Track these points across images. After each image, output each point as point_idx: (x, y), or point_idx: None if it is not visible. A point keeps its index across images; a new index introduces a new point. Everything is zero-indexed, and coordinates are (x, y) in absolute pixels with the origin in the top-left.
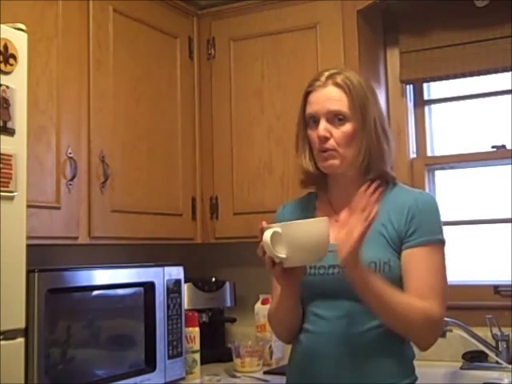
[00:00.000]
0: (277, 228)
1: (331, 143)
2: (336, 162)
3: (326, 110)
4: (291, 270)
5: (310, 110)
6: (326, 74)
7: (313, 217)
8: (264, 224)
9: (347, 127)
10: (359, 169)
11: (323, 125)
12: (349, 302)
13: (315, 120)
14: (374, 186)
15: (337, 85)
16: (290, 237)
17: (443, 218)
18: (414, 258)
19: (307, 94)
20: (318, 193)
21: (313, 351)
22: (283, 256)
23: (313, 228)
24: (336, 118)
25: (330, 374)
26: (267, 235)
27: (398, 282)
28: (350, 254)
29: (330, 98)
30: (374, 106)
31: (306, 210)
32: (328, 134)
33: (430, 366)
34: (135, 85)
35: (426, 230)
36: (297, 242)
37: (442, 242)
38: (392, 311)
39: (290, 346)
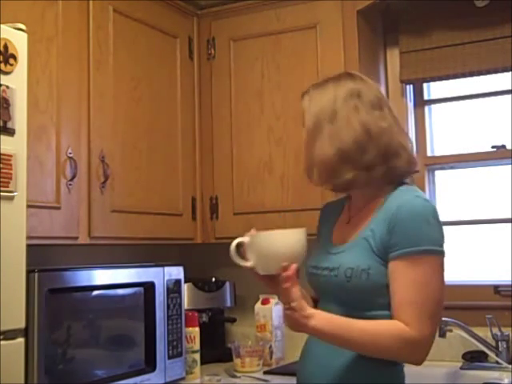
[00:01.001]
0: (244, 238)
1: None
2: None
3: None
4: (274, 277)
5: None
6: (310, 86)
7: (338, 218)
8: (252, 231)
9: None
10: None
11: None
12: (336, 307)
13: None
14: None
15: (303, 98)
16: (255, 246)
17: (443, 218)
18: (395, 272)
19: None
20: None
21: (309, 352)
22: (247, 264)
23: (276, 239)
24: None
25: (317, 375)
26: (233, 244)
27: (379, 290)
28: (291, 326)
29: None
30: (347, 109)
31: (336, 211)
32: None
33: (430, 366)
34: (135, 85)
35: (408, 240)
36: (261, 252)
37: (429, 252)
38: (361, 345)
39: (290, 346)
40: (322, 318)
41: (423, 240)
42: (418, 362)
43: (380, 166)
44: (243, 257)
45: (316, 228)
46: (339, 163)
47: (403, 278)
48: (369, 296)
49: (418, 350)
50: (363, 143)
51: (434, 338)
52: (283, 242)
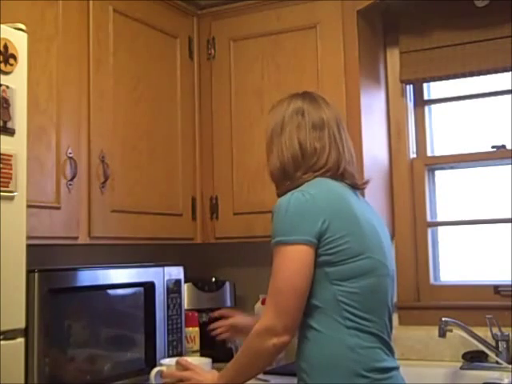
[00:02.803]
0: (163, 367)
1: None
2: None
3: None
4: None
5: None
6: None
7: None
8: (169, 360)
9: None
10: (279, 181)
11: None
12: None
13: None
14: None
15: (270, 112)
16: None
17: (443, 219)
18: None
19: None
20: None
21: None
22: None
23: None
24: None
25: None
26: (152, 372)
27: None
28: None
29: None
30: (290, 128)
31: None
32: None
33: (430, 366)
34: (135, 85)
35: (271, 236)
36: None
37: (279, 244)
38: (249, 368)
39: (289, 346)
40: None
41: (275, 233)
42: (267, 351)
43: (300, 180)
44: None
45: None
46: (281, 175)
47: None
48: None
49: (262, 338)
50: (298, 160)
51: (283, 329)
52: None
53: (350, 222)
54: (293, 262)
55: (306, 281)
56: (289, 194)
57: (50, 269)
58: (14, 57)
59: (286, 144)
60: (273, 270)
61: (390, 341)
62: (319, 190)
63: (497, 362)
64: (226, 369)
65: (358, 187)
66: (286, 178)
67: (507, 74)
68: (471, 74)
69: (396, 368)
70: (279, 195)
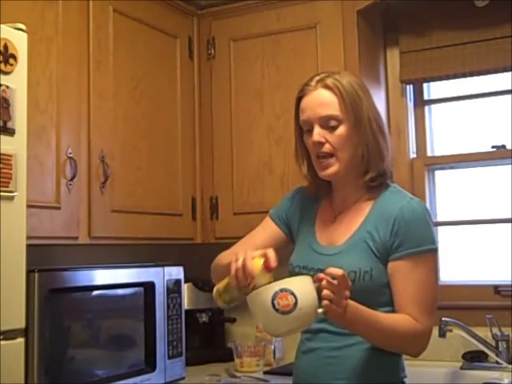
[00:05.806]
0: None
1: (327, 147)
2: (335, 168)
3: (317, 116)
4: None
5: (302, 117)
6: (317, 78)
7: (315, 215)
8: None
9: (341, 130)
10: (357, 169)
11: (317, 130)
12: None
13: (309, 127)
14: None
15: (326, 87)
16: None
17: (444, 218)
18: (400, 271)
19: (299, 100)
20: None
21: (310, 350)
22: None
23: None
24: (329, 122)
25: (322, 371)
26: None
27: (381, 289)
28: (339, 319)
29: (320, 102)
30: (368, 103)
31: (310, 206)
32: (323, 139)
33: (430, 366)
34: (135, 85)
35: (413, 241)
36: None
37: (430, 251)
38: (382, 338)
39: (289, 346)
40: (353, 310)
41: (424, 240)
42: (419, 354)
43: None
44: None
45: (280, 207)
46: (365, 164)
47: (407, 277)
48: (371, 296)
49: (422, 342)
50: (387, 142)
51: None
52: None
53: None
54: (437, 269)
55: None
56: (416, 200)
57: (50, 269)
58: (14, 57)
59: (372, 130)
60: (430, 277)
61: None
62: None
63: (497, 362)
64: (369, 320)
65: None
66: (384, 160)
67: (507, 74)
68: (471, 74)
69: None
70: (373, 180)
